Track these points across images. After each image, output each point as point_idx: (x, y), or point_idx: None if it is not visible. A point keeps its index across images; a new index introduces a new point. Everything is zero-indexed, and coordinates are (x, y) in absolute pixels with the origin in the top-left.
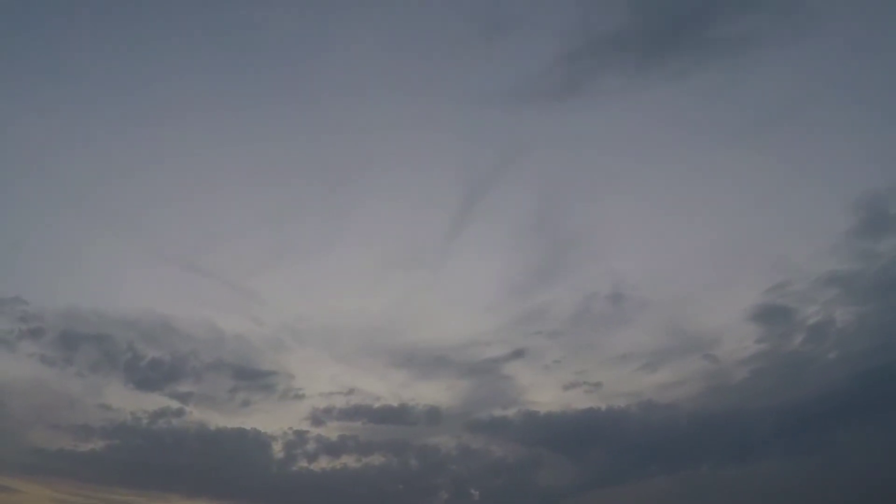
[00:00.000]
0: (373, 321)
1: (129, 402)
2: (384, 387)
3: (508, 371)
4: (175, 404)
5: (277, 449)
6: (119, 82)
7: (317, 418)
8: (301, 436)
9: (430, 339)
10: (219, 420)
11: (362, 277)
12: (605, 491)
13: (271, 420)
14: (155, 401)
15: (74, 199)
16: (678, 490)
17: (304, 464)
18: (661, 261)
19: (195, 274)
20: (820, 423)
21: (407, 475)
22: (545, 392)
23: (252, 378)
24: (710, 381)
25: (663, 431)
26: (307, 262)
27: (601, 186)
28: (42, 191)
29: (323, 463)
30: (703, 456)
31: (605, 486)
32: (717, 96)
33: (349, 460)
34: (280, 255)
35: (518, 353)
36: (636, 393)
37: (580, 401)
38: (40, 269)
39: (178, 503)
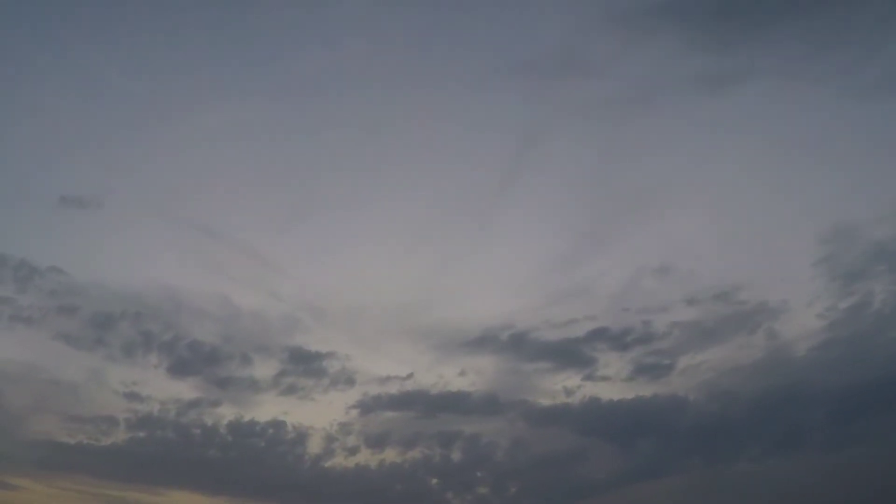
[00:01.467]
0: (403, 297)
1: (159, 391)
2: (422, 370)
3: (566, 353)
4: (211, 394)
5: (314, 442)
6: (146, 73)
7: (366, 406)
8: (345, 427)
9: (471, 317)
10: (255, 411)
11: (393, 248)
12: (644, 486)
13: (314, 409)
14: (188, 389)
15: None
16: (717, 485)
17: (340, 459)
18: (715, 227)
19: (230, 254)
20: (866, 412)
21: (447, 468)
22: (604, 376)
23: (304, 362)
24: (761, 361)
25: (708, 417)
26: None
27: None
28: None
29: (359, 457)
30: (746, 444)
31: (645, 481)
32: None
33: (392, 454)
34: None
35: (582, 338)
36: (683, 377)
37: (634, 387)
38: (77, 240)
39: (200, 501)
